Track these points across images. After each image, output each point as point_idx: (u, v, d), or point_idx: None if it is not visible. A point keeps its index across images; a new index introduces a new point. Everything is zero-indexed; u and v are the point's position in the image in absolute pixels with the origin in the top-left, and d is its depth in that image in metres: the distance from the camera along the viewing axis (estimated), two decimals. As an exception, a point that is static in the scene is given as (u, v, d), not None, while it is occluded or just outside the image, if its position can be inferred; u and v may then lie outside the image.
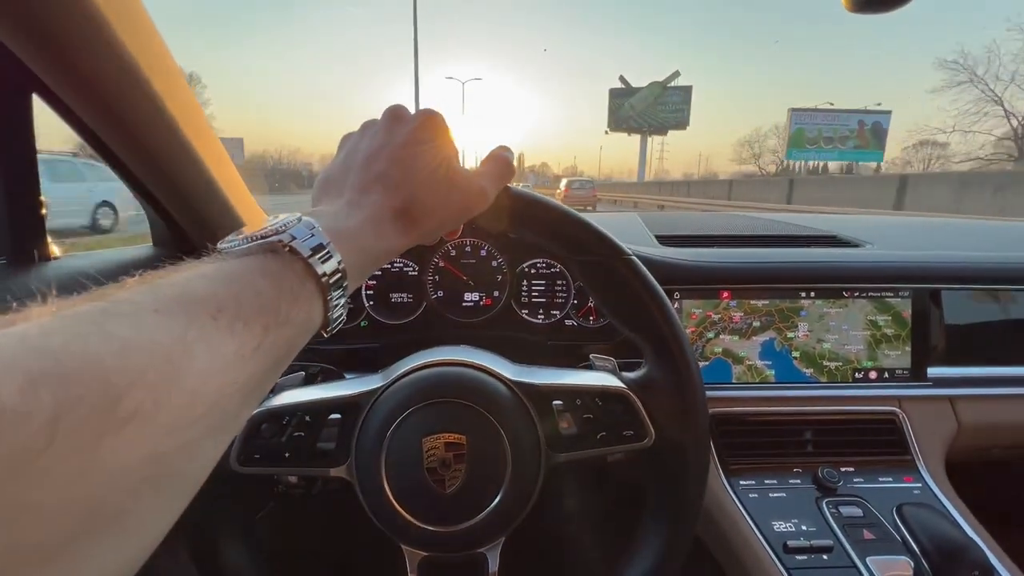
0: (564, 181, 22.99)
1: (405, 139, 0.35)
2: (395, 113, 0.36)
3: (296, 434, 0.45)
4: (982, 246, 0.86)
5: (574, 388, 0.46)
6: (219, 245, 0.28)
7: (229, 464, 0.43)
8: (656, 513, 0.46)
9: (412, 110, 0.37)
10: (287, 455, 0.44)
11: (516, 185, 0.42)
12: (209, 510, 0.49)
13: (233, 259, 0.26)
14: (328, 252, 0.28)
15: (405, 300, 0.79)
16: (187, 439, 0.19)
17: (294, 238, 0.27)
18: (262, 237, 0.27)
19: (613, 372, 0.49)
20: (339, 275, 0.28)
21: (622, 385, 0.46)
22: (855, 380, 0.71)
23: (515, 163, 0.41)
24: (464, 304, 0.79)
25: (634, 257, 0.43)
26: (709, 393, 0.71)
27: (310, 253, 0.27)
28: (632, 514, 0.47)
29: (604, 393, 0.46)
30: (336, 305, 0.29)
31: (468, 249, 0.79)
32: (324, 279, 0.27)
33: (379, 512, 0.43)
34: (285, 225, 0.28)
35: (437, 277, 0.78)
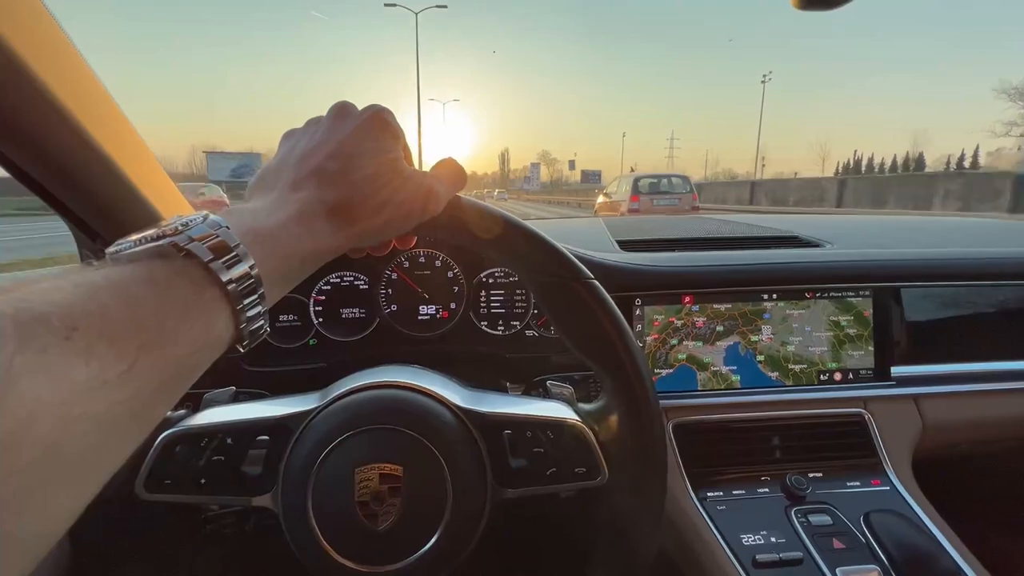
0: (621, 182, 11.26)
1: (347, 135, 0.32)
2: (341, 109, 0.34)
3: (216, 458, 0.40)
4: (939, 243, 0.87)
5: (525, 419, 0.43)
6: (108, 249, 0.24)
7: (134, 489, 0.39)
8: (604, 560, 0.43)
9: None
10: (203, 481, 0.40)
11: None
12: (112, 537, 0.43)
13: (120, 265, 0.22)
14: (236, 255, 0.24)
15: (357, 315, 0.75)
16: (6, 493, 0.15)
17: (192, 239, 0.23)
18: (156, 238, 0.23)
19: (569, 403, 0.46)
20: (251, 281, 0.25)
21: (576, 418, 0.43)
22: (820, 383, 0.70)
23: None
24: (420, 318, 0.75)
25: (595, 281, 0.40)
26: (675, 402, 0.68)
27: (212, 256, 0.23)
28: (582, 557, 0.44)
29: (556, 425, 0.43)
30: (252, 316, 0.26)
31: (422, 260, 0.75)
32: (231, 287, 0.24)
33: (303, 548, 0.39)
34: (186, 224, 0.24)
35: (390, 290, 0.75)
